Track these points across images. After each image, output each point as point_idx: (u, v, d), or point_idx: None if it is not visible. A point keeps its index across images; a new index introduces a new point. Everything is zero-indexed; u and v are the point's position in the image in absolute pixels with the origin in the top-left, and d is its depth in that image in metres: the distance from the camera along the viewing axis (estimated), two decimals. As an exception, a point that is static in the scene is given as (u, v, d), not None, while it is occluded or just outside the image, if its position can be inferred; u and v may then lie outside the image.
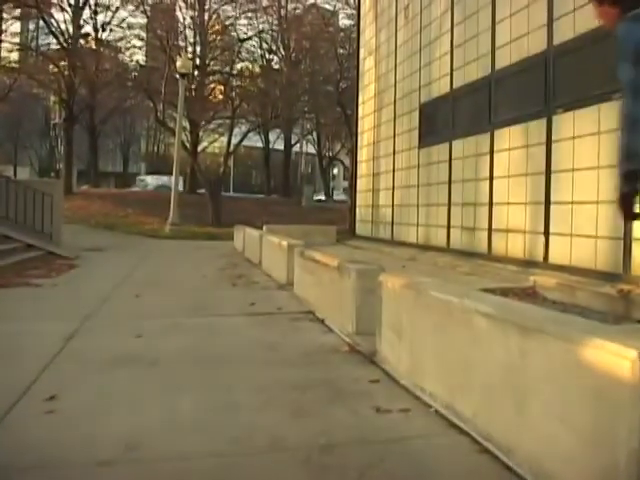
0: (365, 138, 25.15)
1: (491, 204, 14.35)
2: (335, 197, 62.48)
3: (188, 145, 41.57)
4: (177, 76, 31.65)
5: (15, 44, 48.39)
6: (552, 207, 12.05)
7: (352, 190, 27.62)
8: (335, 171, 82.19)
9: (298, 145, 63.40)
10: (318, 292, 8.72)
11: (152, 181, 62.14)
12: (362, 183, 25.42)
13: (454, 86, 16.64)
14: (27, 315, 8.57)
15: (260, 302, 9.65)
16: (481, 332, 4.00)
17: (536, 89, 12.64)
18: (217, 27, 47.18)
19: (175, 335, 7.27)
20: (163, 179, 58.79)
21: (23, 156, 77.91)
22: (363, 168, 25.32)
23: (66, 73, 42.63)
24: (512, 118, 13.51)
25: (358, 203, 25.68)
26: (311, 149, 66.00)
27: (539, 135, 12.46)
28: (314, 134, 61.34)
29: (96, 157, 58.05)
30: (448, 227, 16.71)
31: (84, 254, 18.63)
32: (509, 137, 13.67)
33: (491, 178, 14.34)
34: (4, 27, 49.78)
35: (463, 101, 16.07)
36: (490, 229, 14.38)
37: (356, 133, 26.47)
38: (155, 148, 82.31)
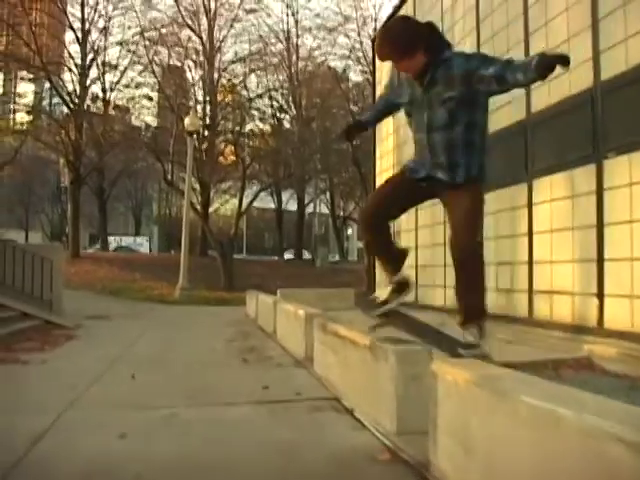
0: (384, 194, 23.48)
1: (531, 262, 12.88)
2: (349, 258, 61.94)
3: (198, 207, 40.61)
4: (186, 135, 30.64)
5: (23, 105, 47.96)
6: (606, 264, 10.58)
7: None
8: (349, 231, 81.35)
9: (311, 205, 62.84)
10: (345, 374, 7.23)
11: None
12: (381, 242, 23.68)
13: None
14: (-3, 404, 7.16)
15: (274, 385, 8.17)
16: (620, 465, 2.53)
17: (582, 131, 11.24)
18: (226, 86, 46.44)
19: (167, 435, 5.81)
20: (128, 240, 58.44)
21: (34, 221, 78.14)
22: (382, 227, 23.60)
23: (72, 134, 41.81)
24: (554, 165, 12.09)
25: (378, 264, 24.11)
26: (324, 209, 65.45)
27: (588, 183, 11.02)
28: (327, 194, 60.63)
29: (105, 220, 57.40)
30: (480, 289, 15.09)
31: (86, 323, 17.43)
32: (550, 187, 12.24)
33: (530, 234, 12.89)
34: (12, 89, 49.66)
35: (494, 150, 14.64)
36: (530, 290, 12.89)
37: (373, 189, 25.06)
38: (167, 211, 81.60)
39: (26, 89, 51.69)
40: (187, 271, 28.76)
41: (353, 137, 6.31)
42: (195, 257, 39.96)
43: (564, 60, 4.67)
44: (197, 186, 42.56)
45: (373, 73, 25.77)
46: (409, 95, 5.79)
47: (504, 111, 13.94)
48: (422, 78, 5.56)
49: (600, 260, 10.73)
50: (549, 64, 4.66)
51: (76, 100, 43.22)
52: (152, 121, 49.58)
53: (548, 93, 12.28)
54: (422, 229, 19.13)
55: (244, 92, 46.76)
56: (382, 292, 6.77)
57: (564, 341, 11.03)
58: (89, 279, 33.95)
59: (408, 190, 6.03)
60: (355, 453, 5.15)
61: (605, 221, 10.64)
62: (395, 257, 6.69)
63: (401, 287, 6.66)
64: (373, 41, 26.26)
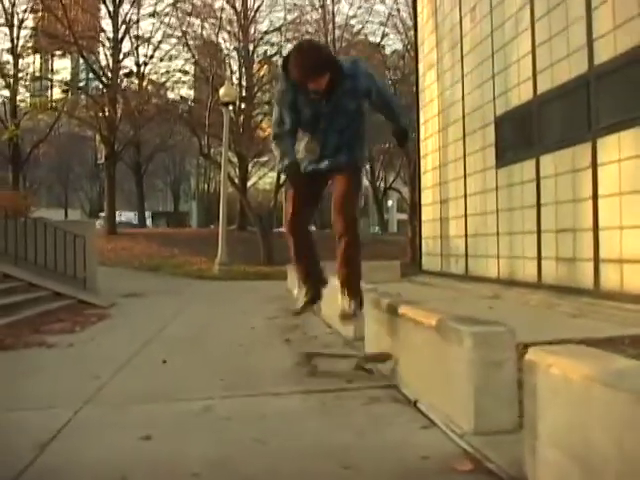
0: (429, 162, 22.76)
1: (596, 229, 11.83)
2: (390, 230, 61.18)
3: (237, 180, 39.79)
4: (221, 106, 29.78)
5: (58, 82, 47.53)
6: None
7: (416, 220, 25.40)
8: (390, 203, 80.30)
9: None
10: (405, 358, 6.25)
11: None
12: (428, 212, 22.89)
13: (538, 91, 14.16)
14: (11, 396, 6.38)
15: (322, 370, 7.23)
16: None
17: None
18: (262, 56, 45.50)
19: (199, 436, 4.90)
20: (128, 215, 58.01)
21: (73, 199, 78.17)
22: (428, 195, 22.83)
23: (106, 109, 41.13)
24: (622, 121, 11.00)
25: (424, 234, 23.22)
26: (364, 182, 64.33)
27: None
28: (367, 165, 59.51)
29: (142, 196, 56.93)
30: (538, 258, 14.20)
31: (121, 301, 16.71)
32: (618, 145, 11.16)
33: (595, 197, 11.83)
34: (49, 67, 49.33)
35: (552, 108, 13.62)
36: (596, 259, 11.85)
37: (418, 157, 24.13)
38: (205, 186, 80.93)
39: (61, 65, 51.37)
40: (226, 246, 28.08)
41: (299, 179, 6.58)
42: (234, 231, 39.33)
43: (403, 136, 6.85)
44: (235, 160, 41.82)
45: (415, 37, 24.71)
46: (310, 108, 6.43)
47: (562, 66, 12.89)
48: (327, 91, 6.27)
49: None
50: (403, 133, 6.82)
51: (109, 74, 42.47)
52: (188, 95, 48.79)
53: (614, 42, 11.18)
54: (472, 197, 18.14)
55: (280, 62, 45.66)
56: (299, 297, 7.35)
57: (637, 314, 10.02)
58: (126, 256, 33.37)
59: (309, 186, 6.61)
60: (427, 461, 4.19)
61: None
62: (313, 275, 7.18)
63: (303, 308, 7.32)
64: (413, 7, 25.21)
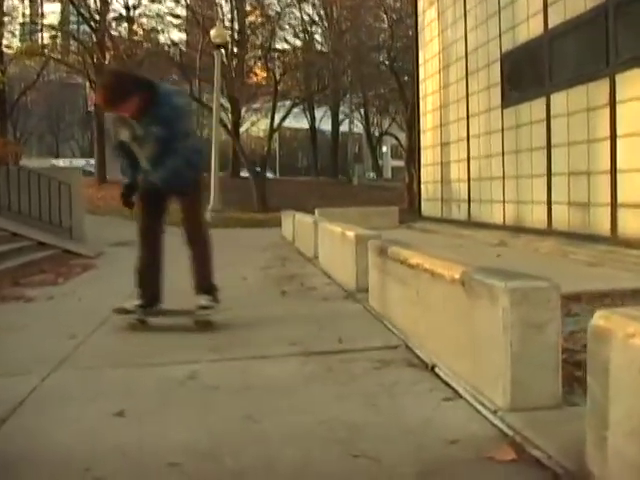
0: (429, 103, 22.00)
1: (614, 171, 11.07)
2: (385, 176, 60.87)
3: (229, 125, 38.86)
4: (212, 49, 28.80)
5: (46, 27, 46.36)
6: None
7: (414, 165, 24.68)
8: (384, 149, 79.48)
9: (345, 125, 61.34)
10: (418, 315, 5.47)
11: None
12: (427, 155, 22.20)
13: (550, 25, 13.29)
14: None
15: (323, 327, 6.50)
16: None
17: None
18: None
19: (180, 411, 4.17)
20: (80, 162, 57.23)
21: (65, 148, 77.35)
22: (428, 138, 22.12)
23: (95, 54, 40.07)
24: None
25: (423, 179, 22.55)
26: (358, 129, 64.01)
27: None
28: (361, 110, 58.81)
29: (134, 142, 55.94)
30: (549, 203, 13.48)
31: (108, 250, 15.98)
32: (639, 80, 10.36)
33: (613, 137, 11.04)
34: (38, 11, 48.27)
35: (565, 42, 12.80)
36: (614, 204, 11.10)
37: (417, 98, 23.36)
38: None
39: (51, 9, 50.15)
40: (218, 192, 27.21)
41: (132, 202, 6.88)
42: (227, 178, 38.56)
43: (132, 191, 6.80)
44: (227, 105, 40.90)
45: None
46: (130, 132, 6.57)
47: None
48: (139, 116, 6.40)
49: None
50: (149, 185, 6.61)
51: (97, 17, 41.26)
52: (179, 39, 47.56)
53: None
54: (475, 139, 17.41)
55: (273, 3, 44.46)
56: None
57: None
58: (117, 204, 32.34)
59: (151, 202, 6.78)
60: (456, 447, 3.43)
61: None
62: (151, 282, 7.11)
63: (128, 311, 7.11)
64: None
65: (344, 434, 3.65)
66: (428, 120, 22.19)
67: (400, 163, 54.47)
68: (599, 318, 2.77)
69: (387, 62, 38.58)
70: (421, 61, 22.50)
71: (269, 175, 36.11)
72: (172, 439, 3.66)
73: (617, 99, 10.94)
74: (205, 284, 7.02)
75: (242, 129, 46.90)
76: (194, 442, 3.60)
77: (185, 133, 6.75)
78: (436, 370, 4.73)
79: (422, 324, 5.33)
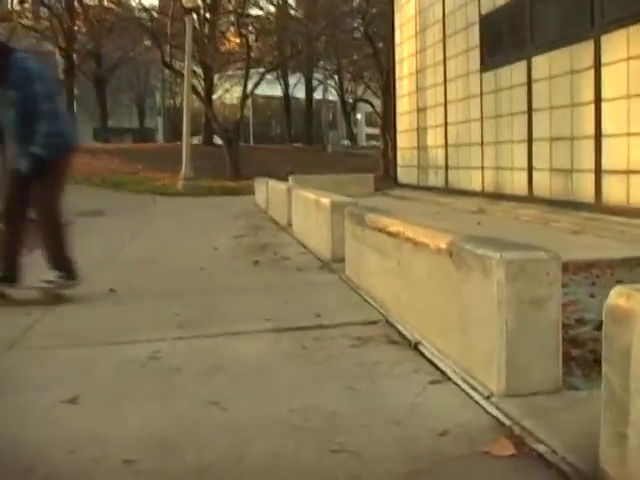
0: (405, 67, 21.61)
1: (599, 136, 10.71)
2: (359, 143, 60.66)
3: (202, 92, 38.24)
4: (184, 13, 28.14)
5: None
6: None
7: (390, 131, 24.34)
8: (358, 116, 79.08)
9: (319, 92, 61.00)
10: (399, 287, 5.08)
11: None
12: (403, 121, 21.86)
13: (532, -16, 12.89)
14: None
15: (296, 299, 6.14)
16: None
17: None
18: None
19: (141, 398, 3.75)
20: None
21: (36, 118, 76.27)
22: (404, 104, 21.78)
23: (63, 20, 39.38)
24: (633, 14, 9.80)
25: (399, 146, 22.20)
26: (332, 97, 63.82)
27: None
28: (335, 77, 58.35)
29: (105, 111, 55.22)
30: (529, 169, 13.13)
31: (77, 220, 15.33)
32: (627, 41, 9.98)
33: (598, 101, 10.68)
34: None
35: (547, 3, 12.46)
36: (598, 170, 10.74)
37: (392, 63, 22.95)
38: (171, 101, 79.00)
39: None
40: (190, 160, 26.70)
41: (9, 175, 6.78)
42: (199, 146, 38.12)
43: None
44: (200, 72, 40.25)
45: None
46: None
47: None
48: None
49: None
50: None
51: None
52: (150, 5, 46.68)
53: None
54: (453, 103, 17.07)
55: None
56: None
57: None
58: (87, 172, 31.80)
59: (18, 181, 6.58)
60: (446, 440, 3.04)
61: None
62: (11, 260, 6.77)
63: None
64: None
65: (321, 424, 3.26)
66: (404, 85, 21.83)
67: (375, 130, 54.24)
68: (618, 297, 2.38)
69: (362, 28, 37.99)
70: (397, 24, 22.08)
71: (242, 144, 35.51)
72: (129, 431, 3.25)
73: (602, 61, 10.58)
74: (56, 262, 6.71)
75: (215, 96, 46.38)
76: (153, 434, 3.20)
77: (45, 96, 6.54)
78: (420, 348, 4.35)
79: (404, 297, 4.94)
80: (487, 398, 3.40)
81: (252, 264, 8.34)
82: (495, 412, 3.25)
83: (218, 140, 38.50)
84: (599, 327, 4.89)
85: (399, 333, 4.76)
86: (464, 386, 3.63)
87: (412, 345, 4.45)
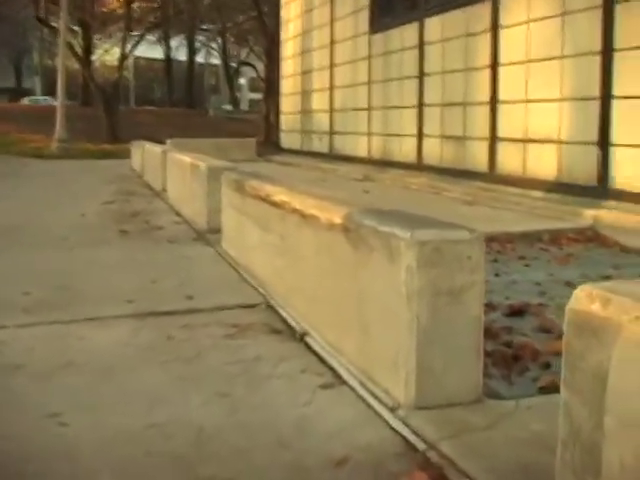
0: (290, 29, 21.09)
1: (494, 103, 10.29)
2: (242, 108, 60.31)
3: (79, 51, 36.84)
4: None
5: None
6: (615, 103, 8.09)
7: (274, 95, 23.71)
8: (241, 81, 78.38)
9: (201, 55, 60.21)
10: (283, 265, 4.38)
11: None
12: (288, 85, 21.35)
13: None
14: None
15: (166, 276, 5.39)
16: None
17: None
18: None
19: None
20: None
21: None
22: (288, 66, 21.27)
23: None
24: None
25: (283, 110, 21.61)
26: (215, 60, 63.18)
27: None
28: (219, 40, 57.51)
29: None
30: (419, 136, 12.67)
31: None
32: (528, 4, 9.49)
33: (494, 66, 10.23)
34: None
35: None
36: (493, 138, 10.31)
37: (278, 24, 22.29)
38: (50, 62, 76.90)
39: None
40: (66, 122, 25.72)
41: None
42: (76, 107, 36.92)
43: None
44: (78, 30, 38.82)
45: None
46: None
47: None
48: None
49: (606, 97, 8.27)
50: None
51: None
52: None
53: None
54: (340, 67, 16.66)
55: None
56: None
57: (548, 203, 8.63)
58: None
59: None
60: (345, 474, 2.37)
61: (616, 45, 8.09)
62: None
63: None
64: None
65: (185, 446, 2.56)
66: (289, 47, 21.33)
67: (258, 96, 53.60)
68: (589, 300, 1.73)
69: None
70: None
71: (123, 106, 34.49)
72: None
73: (500, 24, 10.12)
74: None
75: (94, 57, 44.91)
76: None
77: None
78: (308, 340, 3.67)
79: (289, 278, 4.26)
80: (393, 410, 2.75)
81: (120, 234, 7.55)
82: (404, 431, 2.59)
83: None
84: (510, 313, 4.35)
85: (283, 320, 4.09)
86: (363, 392, 2.97)
87: (298, 336, 3.77)
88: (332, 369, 3.27)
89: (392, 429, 2.64)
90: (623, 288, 1.75)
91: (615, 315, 1.63)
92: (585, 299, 1.75)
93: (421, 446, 2.47)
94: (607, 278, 5.37)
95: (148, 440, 2.62)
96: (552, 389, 2.97)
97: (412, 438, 2.53)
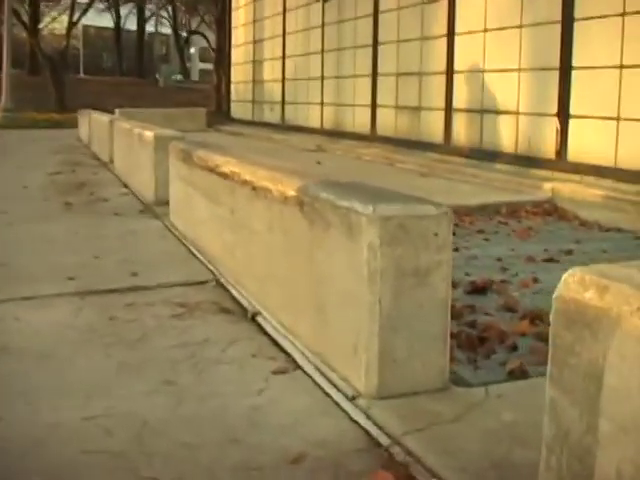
0: (242, -4, 20.64)
1: (451, 72, 10.12)
2: (192, 78, 59.72)
3: (25, 19, 36.14)
4: None
5: None
6: (575, 74, 7.96)
7: (225, 64, 23.46)
8: (192, 51, 77.75)
9: (152, 25, 59.66)
10: (233, 240, 4.15)
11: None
12: (239, 54, 21.14)
13: None
14: None
15: (110, 251, 5.13)
16: None
17: None
18: None
19: None
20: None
21: None
22: (240, 35, 21.05)
23: None
24: None
25: (234, 79, 21.35)
26: (165, 29, 62.56)
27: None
28: (169, 9, 56.88)
29: None
30: (373, 106, 12.50)
31: None
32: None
33: (451, 35, 10.06)
34: None
35: None
36: (449, 109, 10.15)
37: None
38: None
39: None
40: (12, 90, 25.44)
41: None
42: (23, 76, 36.25)
43: None
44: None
45: None
46: None
47: None
48: None
49: (565, 68, 8.13)
50: None
51: None
52: None
53: None
54: (292, 35, 16.45)
55: None
56: None
57: (506, 175, 8.47)
58: None
59: None
60: (303, 470, 2.15)
61: (577, 14, 7.96)
62: None
63: None
64: None
65: (126, 442, 2.33)
66: (240, 15, 21.05)
67: (209, 66, 53.16)
68: (582, 287, 1.52)
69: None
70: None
71: (72, 75, 33.96)
72: None
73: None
74: None
75: (42, 25, 44.11)
76: None
77: None
78: (259, 321, 3.45)
79: (239, 254, 4.03)
80: (352, 399, 2.54)
81: (63, 206, 7.26)
82: (366, 423, 2.39)
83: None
84: (472, 291, 4.16)
85: (233, 299, 3.86)
86: (319, 379, 2.75)
87: (249, 316, 3.54)
88: (286, 352, 3.06)
89: (352, 421, 2.44)
90: (618, 273, 1.54)
91: (615, 305, 1.42)
92: (576, 285, 1.53)
93: (384, 441, 2.26)
94: (569, 253, 5.26)
95: (85, 436, 2.38)
96: (520, 374, 2.81)
97: (374, 431, 2.33)
